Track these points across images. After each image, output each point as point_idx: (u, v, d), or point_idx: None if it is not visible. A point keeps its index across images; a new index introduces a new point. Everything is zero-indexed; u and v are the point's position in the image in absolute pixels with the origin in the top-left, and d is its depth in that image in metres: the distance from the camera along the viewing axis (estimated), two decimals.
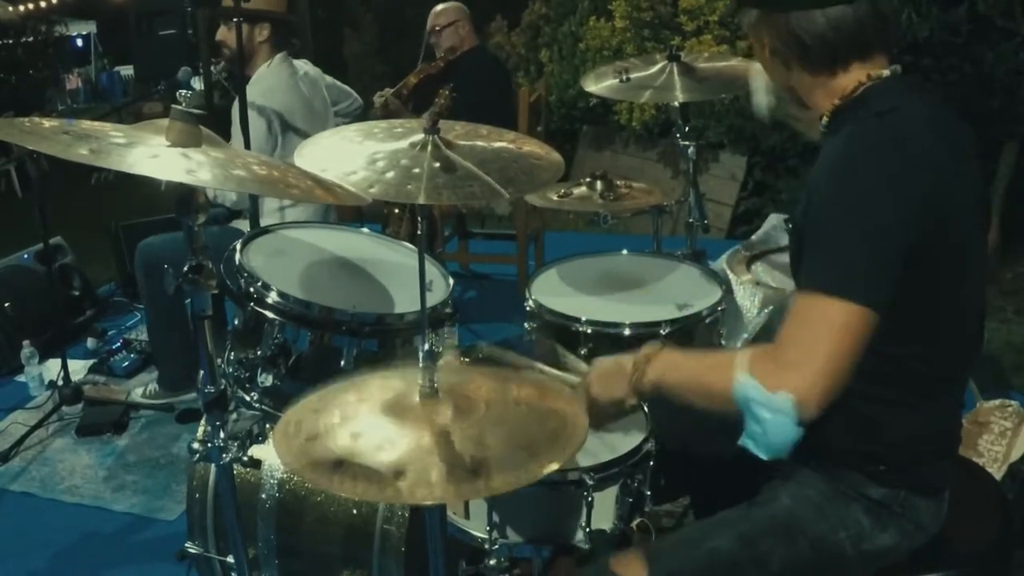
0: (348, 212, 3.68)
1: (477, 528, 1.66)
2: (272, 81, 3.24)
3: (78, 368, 3.60)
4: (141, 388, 3.47)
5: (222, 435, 1.52)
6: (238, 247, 1.96)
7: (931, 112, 1.42)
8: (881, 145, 1.34)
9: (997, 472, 2.37)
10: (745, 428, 1.31)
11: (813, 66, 1.44)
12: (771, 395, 1.27)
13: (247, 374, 1.92)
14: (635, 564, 1.49)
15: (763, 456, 1.31)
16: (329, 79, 3.58)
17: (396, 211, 3.73)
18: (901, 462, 1.46)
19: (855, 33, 1.40)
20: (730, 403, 1.32)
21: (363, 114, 3.72)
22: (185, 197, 1.38)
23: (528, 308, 2.15)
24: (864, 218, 1.30)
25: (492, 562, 1.63)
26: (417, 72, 4.31)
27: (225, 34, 3.26)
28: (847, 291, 1.28)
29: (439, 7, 4.37)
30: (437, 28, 4.33)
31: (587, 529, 1.61)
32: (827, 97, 1.46)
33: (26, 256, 4.06)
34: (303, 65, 3.44)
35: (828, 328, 1.27)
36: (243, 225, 3.17)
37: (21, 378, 3.66)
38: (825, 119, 1.47)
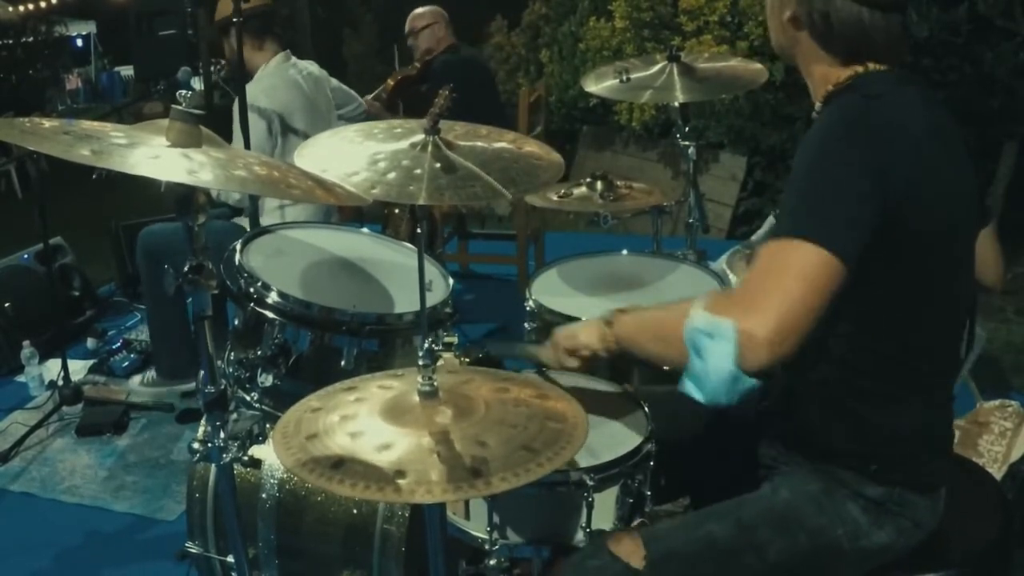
0: (348, 212, 3.69)
1: (477, 528, 1.66)
2: (273, 80, 3.24)
3: (78, 368, 3.60)
4: (139, 376, 3.48)
5: (222, 435, 1.52)
6: (238, 247, 1.96)
7: (922, 104, 1.43)
8: (863, 118, 1.36)
9: (997, 472, 2.37)
10: (687, 368, 1.28)
11: (827, 48, 1.45)
12: (714, 320, 1.23)
13: (247, 374, 1.92)
14: (632, 544, 1.49)
15: (700, 398, 1.27)
16: (335, 82, 3.59)
17: (396, 211, 3.73)
18: (894, 459, 1.46)
19: (879, 40, 1.41)
20: (683, 344, 1.29)
21: (366, 117, 3.73)
22: (185, 197, 1.38)
23: (528, 308, 2.15)
24: (834, 173, 1.30)
25: (492, 562, 1.62)
26: (395, 75, 4.37)
27: (225, 45, 3.31)
28: (809, 232, 1.25)
29: (416, 11, 4.43)
30: (414, 31, 4.38)
31: (587, 530, 1.61)
32: (823, 79, 1.47)
33: (26, 256, 4.06)
34: (308, 66, 3.43)
35: (790, 270, 1.24)
36: (245, 222, 3.17)
37: (21, 378, 3.66)
38: (818, 105, 1.49)
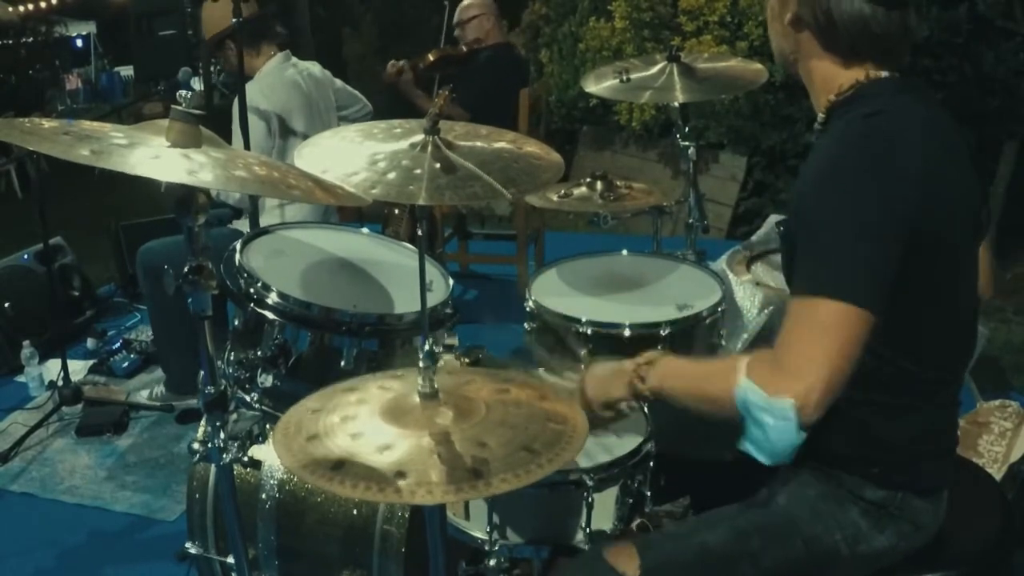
0: (348, 212, 3.68)
1: (477, 529, 1.66)
2: (271, 80, 3.23)
3: (78, 368, 3.60)
4: (147, 391, 3.47)
5: (222, 435, 1.52)
6: (238, 247, 1.96)
7: (923, 113, 1.43)
8: (866, 146, 1.35)
9: (997, 472, 2.37)
10: (745, 433, 1.31)
11: (829, 46, 1.45)
12: (772, 401, 1.27)
13: (247, 374, 1.92)
14: (628, 554, 1.49)
15: (765, 461, 1.31)
16: (339, 83, 3.57)
17: (396, 211, 3.73)
18: (896, 463, 1.46)
19: (881, 35, 1.41)
20: (731, 409, 1.32)
21: (372, 119, 3.72)
22: (185, 198, 1.37)
23: (528, 308, 2.15)
24: (853, 219, 1.31)
25: (492, 563, 1.63)
26: (437, 50, 4.35)
27: (221, 58, 3.32)
28: (841, 293, 1.28)
29: (465, 2, 4.41)
30: (462, 22, 4.38)
31: (587, 530, 1.62)
32: (825, 87, 1.47)
33: (26, 256, 4.06)
34: (309, 66, 3.43)
35: (825, 331, 1.28)
36: (242, 226, 3.17)
37: (21, 378, 3.66)
38: (821, 116, 1.48)
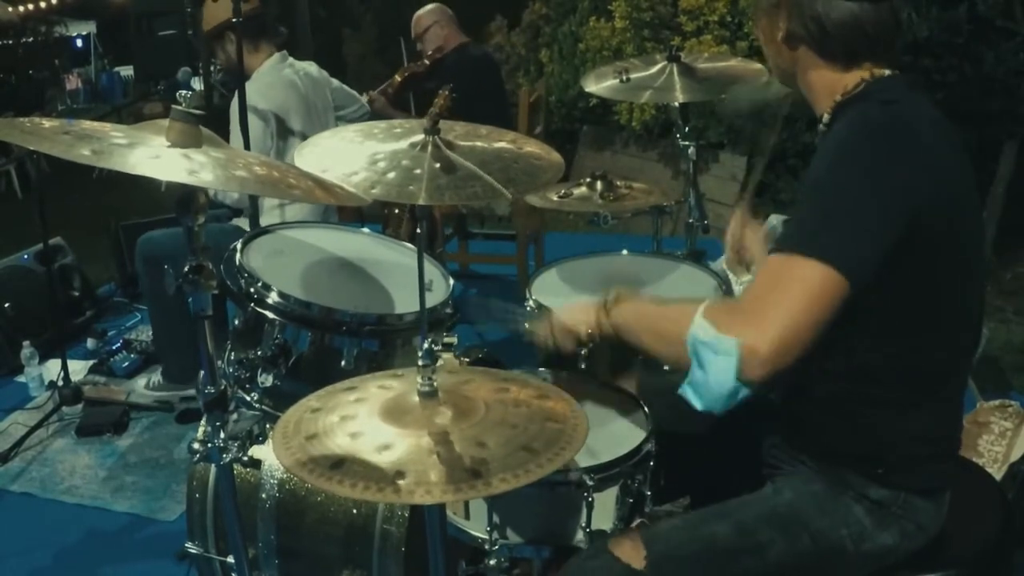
0: (349, 212, 3.68)
1: (477, 528, 1.66)
2: (268, 80, 3.23)
3: (78, 368, 3.60)
4: (144, 379, 3.47)
5: (222, 435, 1.52)
6: (238, 247, 1.96)
7: (930, 109, 1.44)
8: (882, 129, 1.36)
9: (997, 472, 2.37)
10: (688, 375, 1.30)
11: (827, 55, 1.45)
12: (719, 336, 1.24)
13: (247, 374, 1.92)
14: (633, 546, 1.49)
15: (698, 406, 1.30)
16: (336, 83, 3.57)
17: (396, 211, 3.73)
18: (900, 463, 1.46)
19: (874, 32, 1.42)
20: (681, 348, 1.31)
21: (370, 119, 3.71)
22: (185, 197, 1.37)
23: (528, 308, 2.15)
24: (862, 195, 1.30)
25: (492, 562, 1.63)
26: (403, 70, 4.37)
27: (219, 52, 3.31)
28: (820, 251, 1.26)
29: (418, 13, 4.44)
30: (419, 34, 4.40)
31: (587, 530, 1.61)
32: (828, 92, 1.47)
33: (26, 256, 4.06)
34: (306, 66, 3.43)
35: (794, 285, 1.25)
36: (244, 223, 3.17)
37: (21, 378, 3.66)
38: (826, 117, 1.48)
